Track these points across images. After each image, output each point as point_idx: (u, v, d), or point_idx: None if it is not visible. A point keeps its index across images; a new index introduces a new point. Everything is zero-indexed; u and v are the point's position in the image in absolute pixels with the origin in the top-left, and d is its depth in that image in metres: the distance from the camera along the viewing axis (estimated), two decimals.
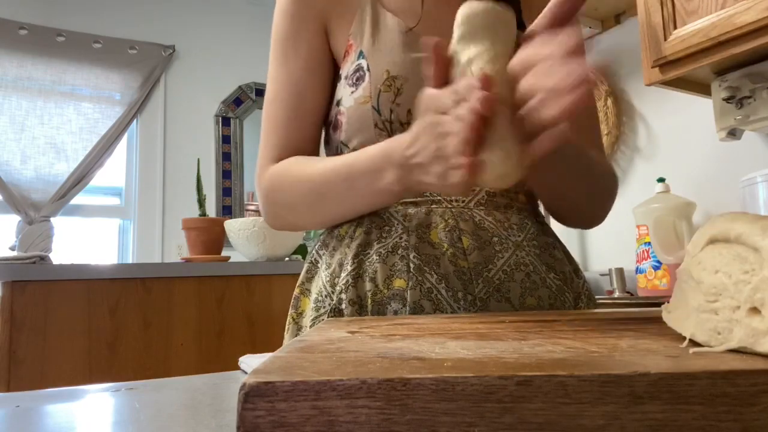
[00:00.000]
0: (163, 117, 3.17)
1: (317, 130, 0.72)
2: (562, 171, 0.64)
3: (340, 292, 0.63)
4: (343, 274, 0.64)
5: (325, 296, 0.66)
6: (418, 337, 0.34)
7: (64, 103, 2.94)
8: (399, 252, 0.63)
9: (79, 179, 2.89)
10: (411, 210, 0.65)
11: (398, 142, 0.54)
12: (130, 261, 3.03)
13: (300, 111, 0.70)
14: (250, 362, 0.60)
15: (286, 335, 0.72)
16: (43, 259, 1.58)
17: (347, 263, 0.65)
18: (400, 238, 0.63)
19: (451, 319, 0.46)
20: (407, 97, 0.65)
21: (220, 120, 3.31)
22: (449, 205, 0.66)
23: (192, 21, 3.32)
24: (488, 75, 0.42)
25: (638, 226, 1.86)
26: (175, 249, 3.03)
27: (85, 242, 3.05)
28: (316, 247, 0.74)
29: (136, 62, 3.11)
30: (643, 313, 0.46)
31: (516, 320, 0.43)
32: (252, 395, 0.21)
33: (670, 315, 0.34)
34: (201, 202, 1.98)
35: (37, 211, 2.77)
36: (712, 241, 0.31)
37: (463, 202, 0.66)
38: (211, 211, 3.18)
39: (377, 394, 0.21)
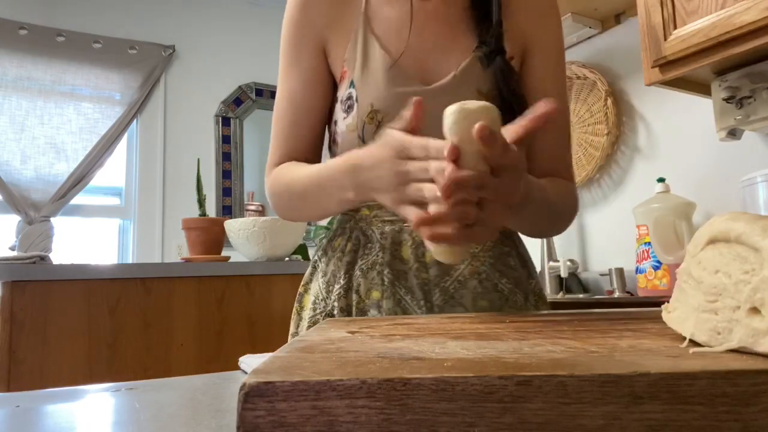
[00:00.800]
0: (163, 117, 3.18)
1: (315, 139, 0.81)
2: (517, 221, 0.73)
3: (334, 301, 0.76)
4: (336, 286, 0.76)
5: (321, 300, 0.78)
6: (418, 337, 0.34)
7: (64, 103, 2.94)
8: (376, 268, 0.74)
9: (79, 179, 2.89)
10: (387, 228, 0.75)
11: (360, 160, 0.61)
12: (130, 261, 3.03)
13: (299, 123, 0.79)
14: (250, 362, 0.60)
15: (291, 324, 0.84)
16: (43, 259, 1.58)
17: (340, 277, 0.77)
18: (378, 256, 0.75)
19: (450, 319, 0.46)
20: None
21: (220, 120, 3.31)
22: None
23: (192, 21, 3.32)
24: (456, 147, 0.46)
25: (638, 226, 1.86)
26: (175, 249, 3.03)
27: (85, 242, 3.05)
28: (319, 252, 0.84)
29: (136, 62, 3.11)
30: (643, 313, 0.46)
31: (516, 320, 0.43)
32: (252, 395, 0.21)
33: (670, 315, 0.34)
34: (201, 202, 1.98)
35: (37, 211, 2.77)
36: (713, 241, 0.31)
37: None
38: (211, 211, 3.18)
39: (377, 394, 0.21)
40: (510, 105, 0.70)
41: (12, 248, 2.69)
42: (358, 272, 0.75)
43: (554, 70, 0.78)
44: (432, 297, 0.71)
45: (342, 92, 0.77)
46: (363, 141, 0.73)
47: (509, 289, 0.74)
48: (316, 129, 0.81)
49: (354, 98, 0.74)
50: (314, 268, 0.83)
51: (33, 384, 1.42)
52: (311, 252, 2.29)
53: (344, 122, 0.76)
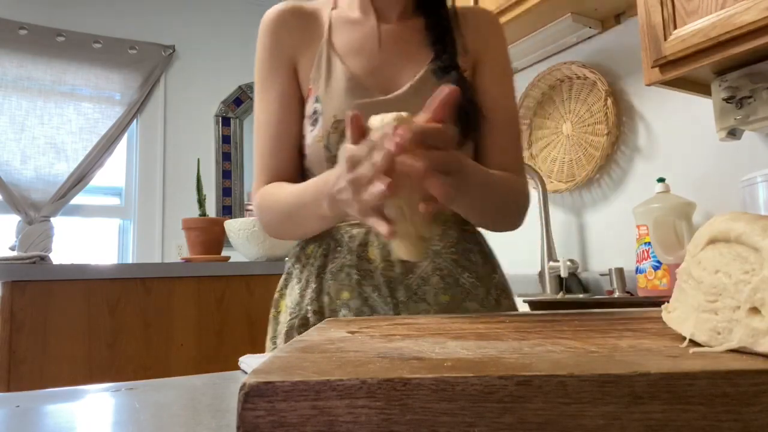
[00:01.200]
0: (163, 117, 3.18)
1: (296, 155, 0.84)
2: (467, 205, 0.75)
3: (307, 305, 0.79)
4: (308, 291, 0.80)
5: (296, 304, 0.81)
6: (418, 337, 0.34)
7: (64, 103, 2.94)
8: (345, 270, 0.78)
9: (79, 179, 2.89)
10: (355, 231, 0.79)
11: (326, 179, 0.65)
12: (130, 261, 3.03)
13: (279, 140, 0.83)
14: (250, 362, 0.60)
15: (269, 329, 0.86)
16: (43, 259, 1.58)
17: (311, 281, 0.80)
18: (345, 258, 0.78)
19: (451, 320, 0.46)
20: None
21: (220, 120, 3.31)
22: None
23: (192, 21, 3.32)
24: (404, 128, 0.49)
25: (638, 226, 1.86)
26: (175, 249, 3.03)
27: (85, 242, 3.05)
28: (293, 260, 0.87)
29: (136, 62, 3.11)
30: (643, 312, 0.46)
31: (516, 320, 0.43)
32: (252, 395, 0.21)
33: (670, 315, 0.34)
34: (201, 202, 1.98)
35: (37, 211, 2.77)
36: (713, 241, 0.31)
37: None
38: (211, 211, 3.18)
39: (377, 394, 0.21)
40: (466, 112, 0.78)
41: (12, 248, 2.69)
42: (328, 275, 0.79)
43: (501, 81, 0.86)
44: (397, 294, 0.75)
45: (308, 108, 0.82)
46: (329, 150, 0.78)
47: (471, 283, 0.79)
48: (297, 147, 0.84)
49: (319, 112, 0.79)
50: (288, 274, 0.87)
51: (33, 384, 1.42)
52: None
53: (311, 135, 0.80)
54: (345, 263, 0.78)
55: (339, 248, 0.80)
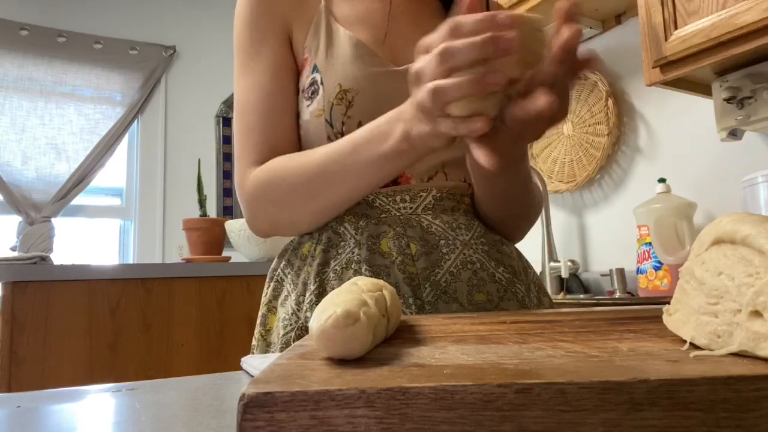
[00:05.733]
0: (164, 117, 3.18)
1: (293, 132, 0.72)
2: (510, 176, 0.67)
3: (306, 311, 0.66)
4: (307, 294, 0.67)
5: (292, 314, 0.68)
6: (419, 341, 0.34)
7: (65, 103, 2.94)
8: (352, 267, 0.65)
9: (80, 180, 2.89)
10: (362, 222, 0.68)
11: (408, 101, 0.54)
12: (130, 261, 3.03)
13: (272, 114, 0.70)
14: (253, 362, 0.60)
15: (257, 351, 0.73)
16: (44, 259, 1.58)
17: (310, 283, 0.67)
18: (353, 253, 0.66)
19: (452, 320, 0.46)
20: (358, 109, 0.67)
21: (221, 120, 3.31)
22: (398, 213, 0.68)
23: (193, 21, 3.32)
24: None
25: (639, 227, 1.86)
26: (175, 249, 3.04)
27: (86, 243, 3.05)
28: (281, 266, 0.75)
29: (137, 63, 3.11)
30: (645, 311, 0.46)
31: (518, 320, 0.43)
32: (251, 406, 0.21)
33: (671, 318, 0.34)
34: (202, 202, 1.98)
35: (38, 212, 2.78)
36: (718, 241, 0.31)
37: (410, 208, 0.69)
38: (212, 211, 3.18)
39: (376, 403, 0.21)
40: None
41: (13, 249, 2.70)
42: (331, 274, 0.66)
43: None
44: (422, 293, 0.63)
45: (304, 80, 0.71)
46: (331, 125, 0.67)
47: (507, 278, 0.68)
48: (293, 120, 0.72)
49: (318, 82, 0.68)
50: (279, 282, 0.74)
51: (34, 384, 1.42)
52: None
53: (308, 110, 0.69)
54: (352, 258, 0.66)
55: (343, 242, 0.68)
